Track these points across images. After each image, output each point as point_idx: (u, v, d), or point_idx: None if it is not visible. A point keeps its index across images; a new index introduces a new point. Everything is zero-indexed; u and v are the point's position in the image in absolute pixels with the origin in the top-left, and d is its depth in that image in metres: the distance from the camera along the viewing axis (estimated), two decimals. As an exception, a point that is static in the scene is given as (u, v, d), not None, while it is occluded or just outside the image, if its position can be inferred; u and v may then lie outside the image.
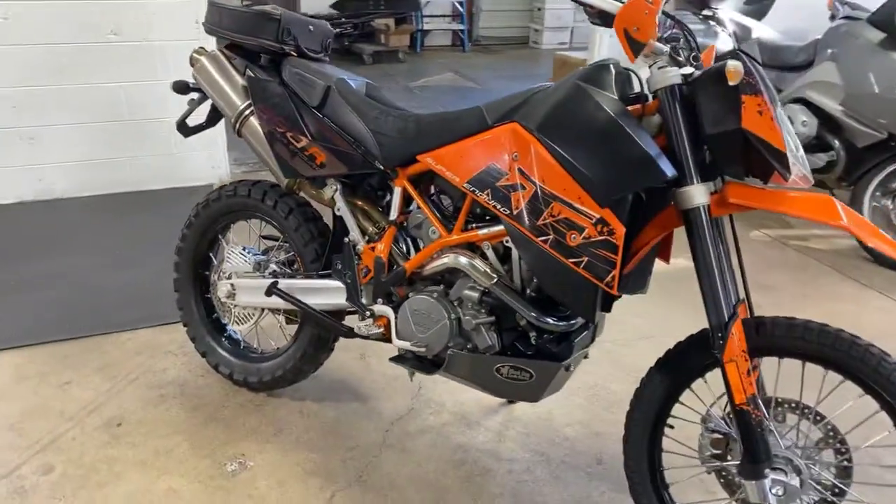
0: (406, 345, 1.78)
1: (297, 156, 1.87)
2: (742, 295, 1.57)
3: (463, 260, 1.67)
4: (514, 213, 1.55)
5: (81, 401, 2.23)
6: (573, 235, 1.46)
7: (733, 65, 1.34)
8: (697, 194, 1.41)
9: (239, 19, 1.93)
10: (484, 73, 7.84)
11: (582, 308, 1.53)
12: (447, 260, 1.70)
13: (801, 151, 1.49)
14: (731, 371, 1.41)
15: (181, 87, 2.05)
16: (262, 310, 2.15)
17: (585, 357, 1.82)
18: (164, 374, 2.37)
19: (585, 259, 1.46)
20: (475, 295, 1.68)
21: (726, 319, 1.42)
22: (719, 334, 1.42)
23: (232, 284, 2.11)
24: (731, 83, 1.35)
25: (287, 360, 2.13)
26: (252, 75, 1.93)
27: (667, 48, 1.42)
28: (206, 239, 2.21)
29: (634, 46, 1.33)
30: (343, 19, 8.48)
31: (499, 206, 1.58)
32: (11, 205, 3.77)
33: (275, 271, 2.08)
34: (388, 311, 1.82)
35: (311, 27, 1.98)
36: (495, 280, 1.63)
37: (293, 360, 2.11)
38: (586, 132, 1.45)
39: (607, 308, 1.66)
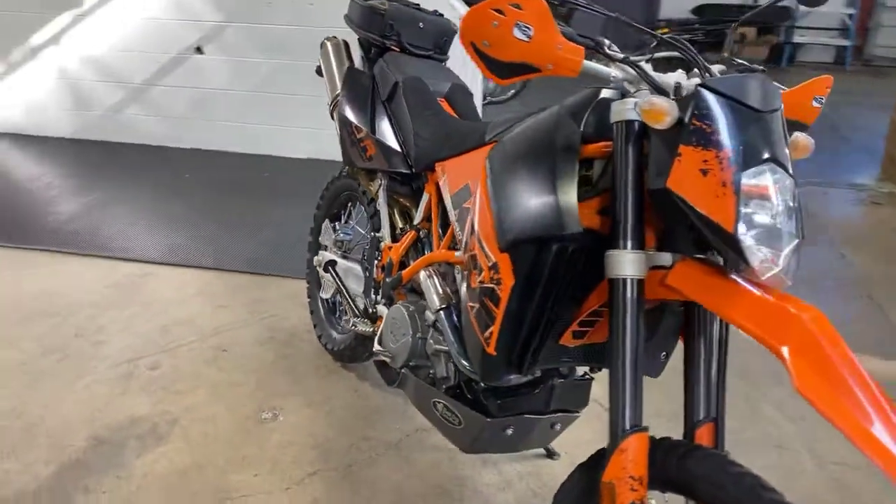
0: (378, 349, 1.73)
1: (355, 145, 1.92)
2: (704, 414, 1.18)
3: (423, 278, 1.56)
4: (462, 238, 1.40)
5: (218, 322, 2.65)
6: (475, 276, 1.27)
7: (650, 102, 1.01)
8: (622, 262, 1.10)
9: (357, 13, 2.04)
10: (852, 98, 6.64)
11: (473, 361, 1.32)
12: (419, 275, 1.61)
13: (794, 243, 1.04)
14: (604, 496, 1.09)
15: (317, 71, 2.26)
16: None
17: (554, 427, 1.55)
18: (285, 321, 2.66)
19: (477, 305, 1.26)
20: (430, 317, 1.56)
21: (624, 428, 1.10)
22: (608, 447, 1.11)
23: (320, 255, 2.28)
24: (652, 125, 1.02)
25: (348, 338, 2.23)
26: (349, 65, 2.03)
27: (617, 73, 1.12)
28: (331, 211, 2.41)
29: (492, 65, 1.06)
30: (697, 25, 7.96)
31: (457, 229, 1.44)
32: (296, 159, 4.51)
33: (347, 250, 2.19)
34: (383, 311, 1.79)
35: (422, 24, 1.99)
36: (444, 306, 1.49)
37: (350, 339, 2.20)
38: (516, 165, 1.24)
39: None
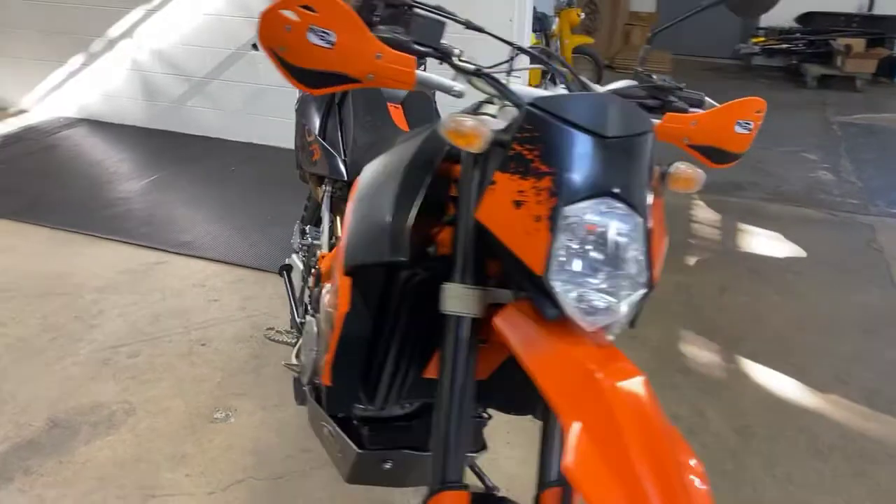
0: (292, 362, 1.67)
1: (304, 148, 1.87)
2: (556, 476, 1.03)
3: (324, 292, 1.48)
4: None
5: (207, 316, 2.68)
6: (326, 297, 1.18)
7: (455, 121, 0.88)
8: (452, 297, 0.98)
9: None
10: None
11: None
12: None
13: (631, 295, 0.89)
14: None
15: (253, 45, 2.25)
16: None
17: None
18: (274, 321, 2.65)
19: (325, 329, 1.17)
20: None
21: (441, 481, 0.98)
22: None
23: (290, 258, 2.24)
24: (462, 148, 0.89)
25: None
26: None
27: (461, 87, 1.00)
28: (314, 214, 2.38)
29: (295, 73, 0.94)
30: (798, 34, 7.39)
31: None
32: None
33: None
34: (307, 321, 1.72)
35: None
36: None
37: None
38: (376, 182, 1.15)
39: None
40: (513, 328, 0.94)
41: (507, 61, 1.14)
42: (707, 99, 1.27)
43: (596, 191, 0.87)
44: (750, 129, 1.21)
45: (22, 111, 5.34)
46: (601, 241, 0.87)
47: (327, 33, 0.91)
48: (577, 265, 0.86)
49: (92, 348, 2.46)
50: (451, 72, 1.05)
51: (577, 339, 0.88)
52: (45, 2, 4.88)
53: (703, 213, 3.90)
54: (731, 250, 3.46)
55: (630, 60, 7.49)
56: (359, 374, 1.19)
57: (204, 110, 4.81)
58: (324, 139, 1.80)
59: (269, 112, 4.61)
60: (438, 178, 1.08)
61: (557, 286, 0.86)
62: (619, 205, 0.88)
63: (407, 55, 0.98)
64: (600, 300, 0.87)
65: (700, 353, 2.56)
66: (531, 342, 0.91)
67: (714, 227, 3.74)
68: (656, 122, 1.16)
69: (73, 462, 1.95)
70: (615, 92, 1.19)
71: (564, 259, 0.86)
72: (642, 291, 0.90)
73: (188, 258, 3.15)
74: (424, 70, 1.01)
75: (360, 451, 1.32)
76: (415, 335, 1.14)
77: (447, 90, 1.02)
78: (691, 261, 3.31)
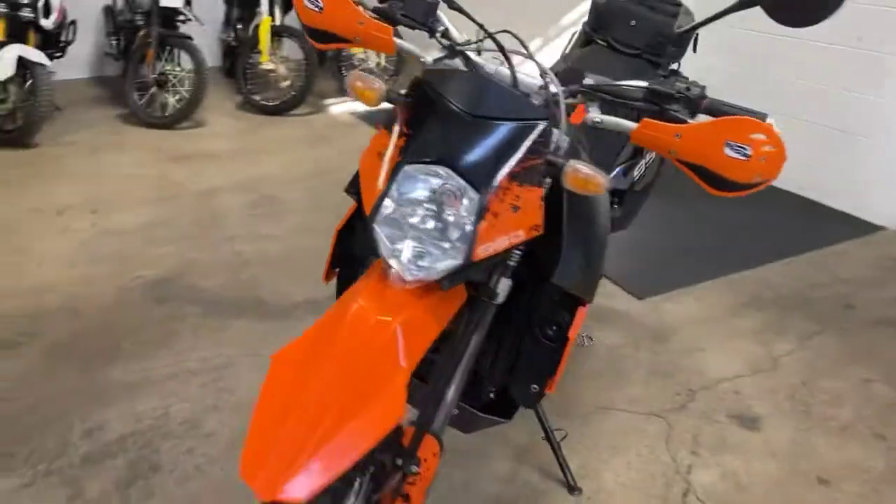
0: None
1: None
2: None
3: None
4: None
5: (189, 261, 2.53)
6: None
7: (357, 77, 1.16)
8: None
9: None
10: None
11: None
12: None
13: (444, 263, 1.05)
14: None
15: None
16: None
17: None
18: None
19: None
20: None
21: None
22: None
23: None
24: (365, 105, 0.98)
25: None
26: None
27: (428, 57, 1.25)
28: None
29: (308, 30, 1.26)
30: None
31: None
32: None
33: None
34: None
35: (634, 21, 2.08)
36: None
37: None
38: None
39: None
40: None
41: (479, 41, 1.25)
42: (769, 119, 1.09)
43: (437, 158, 1.01)
44: (747, 156, 1.06)
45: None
46: (430, 203, 1.02)
47: (316, 1, 1.20)
48: (397, 216, 1.03)
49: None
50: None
51: (382, 277, 1.06)
52: None
53: None
54: None
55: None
56: None
57: None
58: None
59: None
60: None
61: (377, 230, 1.04)
62: (458, 177, 1.01)
63: (385, 24, 1.19)
64: (410, 253, 1.02)
65: None
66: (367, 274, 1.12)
67: None
68: (632, 126, 1.14)
69: None
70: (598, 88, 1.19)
71: (390, 211, 1.03)
72: (455, 262, 1.02)
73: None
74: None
75: None
76: None
77: (418, 57, 1.22)
78: None
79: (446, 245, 1.02)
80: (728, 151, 1.06)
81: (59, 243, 3.06)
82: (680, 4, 2.22)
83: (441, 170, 1.01)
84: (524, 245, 1.13)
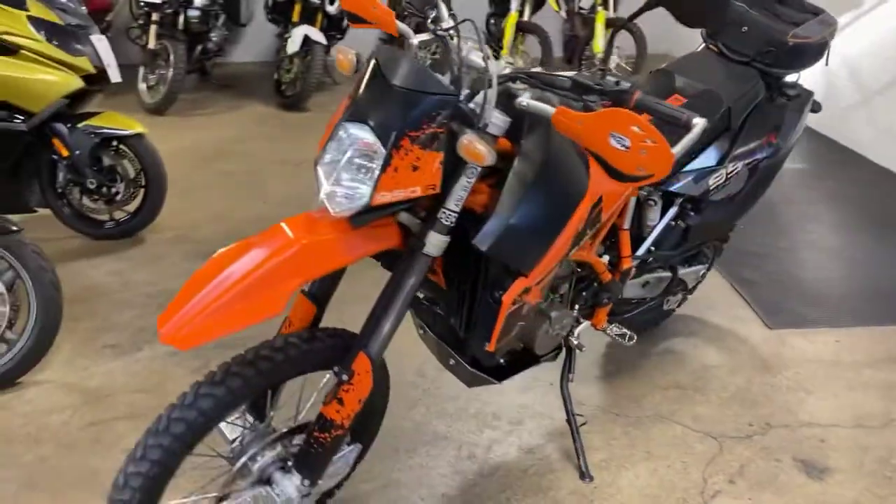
0: None
1: None
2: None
3: None
4: None
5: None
6: None
7: (338, 50, 1.45)
8: None
9: None
10: None
11: None
12: None
13: (354, 203, 1.28)
14: None
15: None
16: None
17: None
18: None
19: None
20: None
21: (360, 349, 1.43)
22: None
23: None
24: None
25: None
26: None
27: (415, 41, 1.48)
28: None
29: (346, 12, 1.51)
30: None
31: None
32: None
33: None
34: None
35: (745, 27, 2.08)
36: None
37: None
38: None
39: None
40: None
41: (452, 27, 1.45)
42: (695, 119, 1.22)
43: (360, 118, 1.26)
44: (626, 147, 1.12)
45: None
46: (352, 154, 1.25)
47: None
48: (329, 160, 1.28)
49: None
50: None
51: (320, 209, 1.32)
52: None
53: None
54: None
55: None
56: None
57: (866, 127, 4.60)
58: None
59: None
60: None
61: (316, 171, 1.30)
62: (371, 134, 1.24)
63: (386, 9, 1.46)
64: (332, 192, 1.27)
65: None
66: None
67: None
68: (551, 111, 1.26)
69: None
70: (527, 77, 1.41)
71: (326, 158, 1.29)
72: (360, 203, 1.25)
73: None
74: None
75: None
76: None
77: (406, 39, 1.46)
78: None
79: (356, 189, 1.25)
80: (612, 142, 1.16)
81: (285, 187, 3.81)
82: (819, 13, 2.08)
83: (358, 127, 1.24)
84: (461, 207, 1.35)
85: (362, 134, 1.25)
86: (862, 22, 4.51)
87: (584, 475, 1.97)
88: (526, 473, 1.99)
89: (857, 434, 2.16)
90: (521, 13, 5.62)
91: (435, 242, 1.38)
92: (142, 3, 5.03)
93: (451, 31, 1.40)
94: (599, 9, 5.49)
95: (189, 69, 5.46)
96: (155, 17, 5.03)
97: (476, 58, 1.38)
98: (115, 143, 3.14)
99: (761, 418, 2.22)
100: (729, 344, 2.60)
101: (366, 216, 1.30)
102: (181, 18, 5.23)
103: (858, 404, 2.29)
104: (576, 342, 1.94)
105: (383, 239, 1.40)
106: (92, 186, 3.07)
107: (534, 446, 2.09)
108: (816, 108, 2.28)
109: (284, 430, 1.52)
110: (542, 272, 1.46)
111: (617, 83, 1.25)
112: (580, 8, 6.06)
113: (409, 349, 2.08)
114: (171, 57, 4.99)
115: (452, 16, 1.43)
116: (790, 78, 2.12)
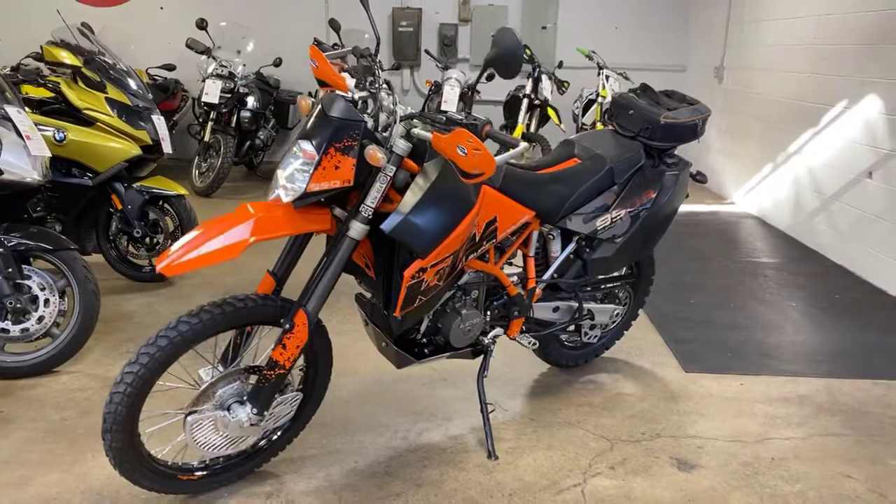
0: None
1: None
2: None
3: None
4: None
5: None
6: None
7: (302, 98, 1.71)
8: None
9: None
10: None
11: None
12: None
13: (290, 193, 1.90)
14: None
15: None
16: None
17: None
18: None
19: None
20: None
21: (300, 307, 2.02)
22: None
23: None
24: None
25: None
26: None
27: (357, 95, 2.00)
28: None
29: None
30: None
31: None
32: None
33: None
34: None
35: (631, 111, 2.70)
36: None
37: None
38: None
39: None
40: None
41: (378, 86, 2.07)
42: (523, 144, 1.94)
43: (306, 136, 1.89)
44: (465, 153, 1.78)
45: (731, 202, 6.63)
46: (293, 159, 1.90)
47: (312, 61, 2.05)
48: (287, 164, 1.91)
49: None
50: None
51: (276, 198, 1.92)
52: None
53: None
54: None
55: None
56: None
57: (826, 229, 5.05)
58: None
59: (870, 243, 4.52)
60: None
61: (277, 172, 1.95)
62: (311, 146, 1.86)
63: (342, 77, 2.01)
64: (284, 184, 1.90)
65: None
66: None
67: None
68: (429, 136, 1.90)
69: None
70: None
71: (285, 164, 1.94)
72: (298, 190, 1.87)
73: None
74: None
75: None
76: None
77: (353, 93, 2.00)
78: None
79: (297, 181, 1.87)
80: (459, 150, 1.78)
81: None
82: (695, 103, 2.67)
83: (306, 143, 1.87)
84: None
85: (307, 146, 1.87)
86: (820, 138, 5.11)
87: (491, 454, 2.41)
88: (444, 451, 2.44)
89: (731, 445, 2.54)
90: (528, 126, 6.45)
91: (357, 229, 1.97)
92: (203, 104, 6.00)
93: (377, 89, 2.03)
94: (598, 123, 6.35)
95: (237, 161, 6.38)
96: (212, 115, 5.99)
97: (391, 105, 2.01)
98: (160, 201, 3.88)
99: (654, 430, 2.63)
100: (645, 380, 3.03)
101: (303, 200, 1.90)
102: (234, 118, 6.20)
103: (741, 426, 2.67)
104: (490, 345, 2.46)
105: (317, 222, 1.99)
106: (138, 235, 3.79)
107: (456, 435, 2.54)
108: (702, 179, 2.85)
109: (243, 367, 2.06)
110: (435, 258, 2.01)
111: (474, 119, 1.86)
112: (583, 124, 6.96)
113: (379, 367, 2.61)
114: (222, 148, 5.89)
115: (381, 79, 2.05)
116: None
